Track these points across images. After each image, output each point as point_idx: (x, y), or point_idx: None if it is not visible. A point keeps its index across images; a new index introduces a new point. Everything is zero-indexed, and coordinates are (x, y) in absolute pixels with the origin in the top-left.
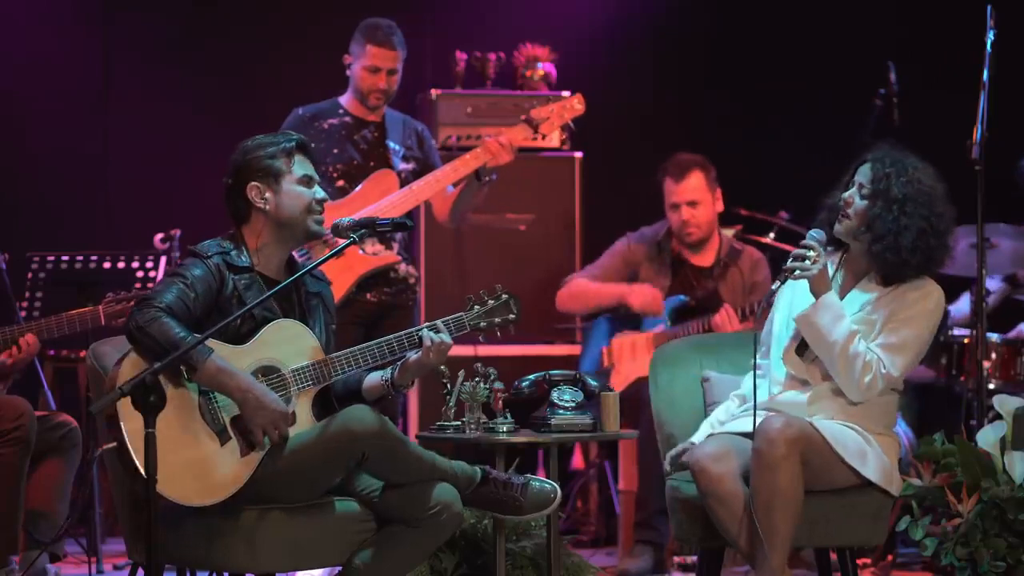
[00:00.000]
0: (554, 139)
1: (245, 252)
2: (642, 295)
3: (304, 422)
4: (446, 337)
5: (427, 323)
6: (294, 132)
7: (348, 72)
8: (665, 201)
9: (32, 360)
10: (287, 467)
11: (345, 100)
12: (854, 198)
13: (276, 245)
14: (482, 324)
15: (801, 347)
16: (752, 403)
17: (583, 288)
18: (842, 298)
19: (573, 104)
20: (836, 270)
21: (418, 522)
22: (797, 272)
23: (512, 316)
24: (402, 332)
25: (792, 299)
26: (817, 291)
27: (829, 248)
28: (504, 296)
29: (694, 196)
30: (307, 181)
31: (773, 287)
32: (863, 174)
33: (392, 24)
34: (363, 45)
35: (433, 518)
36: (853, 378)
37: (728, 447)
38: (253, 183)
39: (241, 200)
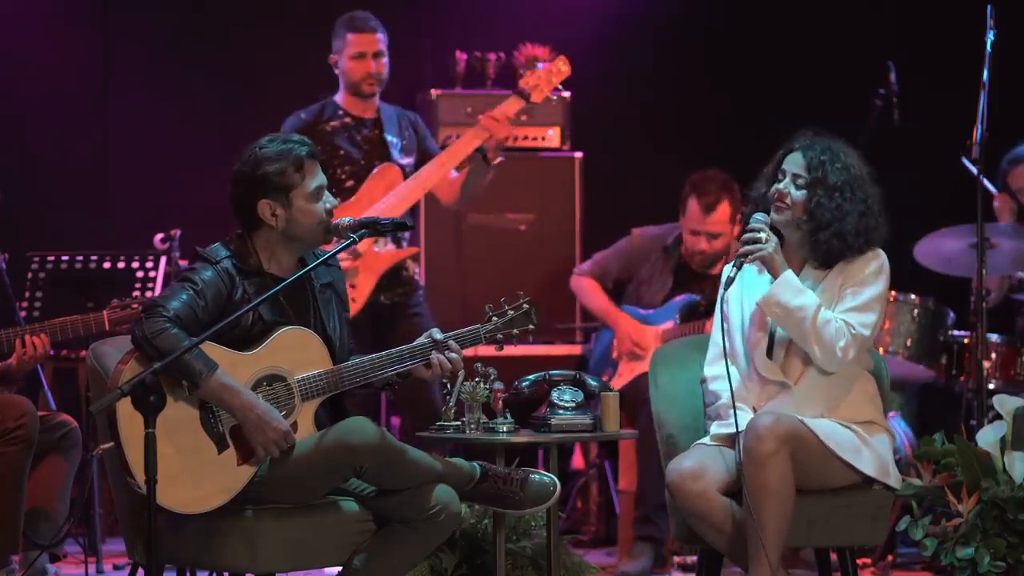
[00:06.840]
0: (554, 139)
1: (254, 254)
2: (624, 343)
3: (306, 432)
4: (455, 356)
5: (438, 335)
6: (303, 138)
7: (336, 71)
8: (684, 218)
9: (38, 363)
10: (283, 476)
11: (340, 99)
12: (789, 189)
13: (286, 250)
14: (498, 336)
15: (768, 349)
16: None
17: (585, 291)
18: None
19: (560, 67)
20: None
21: (417, 523)
22: (752, 255)
23: (531, 326)
24: (413, 345)
25: (742, 298)
26: (774, 270)
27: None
28: (525, 306)
29: (717, 229)
30: (317, 194)
31: (729, 273)
32: (794, 163)
33: (367, 12)
34: (343, 37)
35: (432, 519)
36: (829, 346)
37: (705, 461)
38: (264, 200)
39: (252, 215)
